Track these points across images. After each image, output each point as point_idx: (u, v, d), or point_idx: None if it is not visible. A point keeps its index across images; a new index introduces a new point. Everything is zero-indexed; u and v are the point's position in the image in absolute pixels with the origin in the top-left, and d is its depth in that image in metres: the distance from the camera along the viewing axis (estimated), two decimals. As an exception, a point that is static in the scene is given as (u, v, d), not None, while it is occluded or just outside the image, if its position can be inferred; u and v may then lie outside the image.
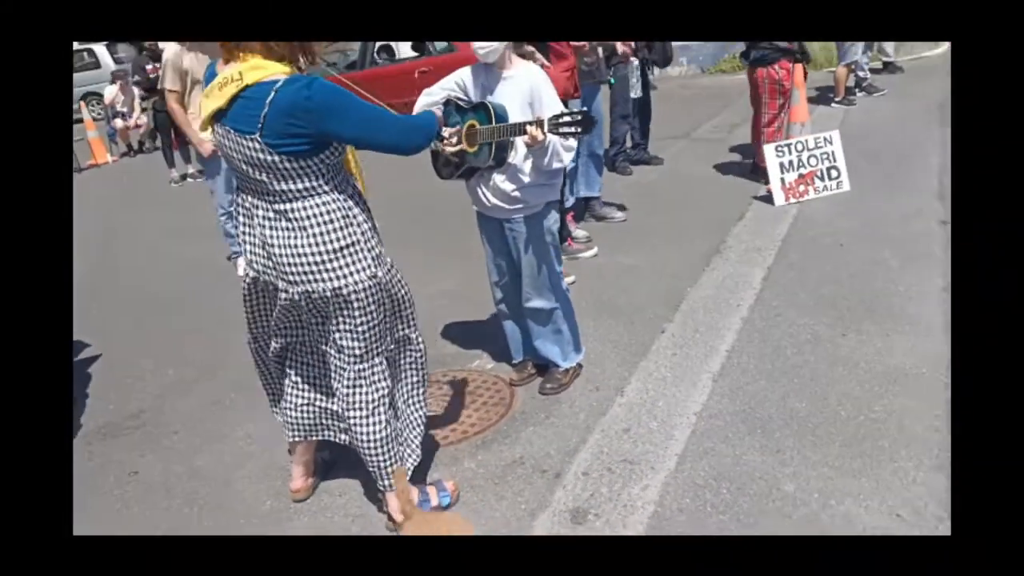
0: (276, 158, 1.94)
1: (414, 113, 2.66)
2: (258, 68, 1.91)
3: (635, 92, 5.80)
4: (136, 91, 11.38)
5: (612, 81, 5.48)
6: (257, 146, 1.93)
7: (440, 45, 8.53)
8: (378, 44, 9.71)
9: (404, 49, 9.92)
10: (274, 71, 1.91)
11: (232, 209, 4.54)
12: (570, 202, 4.65)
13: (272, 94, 1.88)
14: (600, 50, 4.79)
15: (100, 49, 18.20)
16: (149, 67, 8.34)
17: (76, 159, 10.41)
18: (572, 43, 4.04)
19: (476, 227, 2.97)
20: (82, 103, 12.58)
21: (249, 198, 2.11)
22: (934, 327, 3.15)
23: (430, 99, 2.71)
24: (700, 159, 6.44)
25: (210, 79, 2.02)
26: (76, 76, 17.46)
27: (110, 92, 11.20)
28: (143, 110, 11.26)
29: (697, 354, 3.23)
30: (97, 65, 17.49)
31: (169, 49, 4.54)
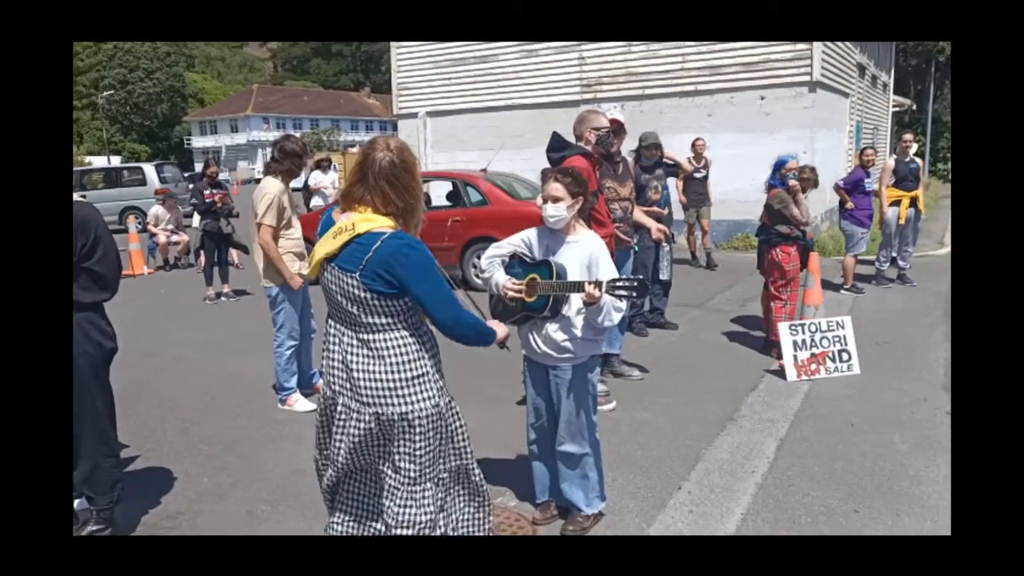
0: (368, 295, 2.25)
1: (483, 261, 3.03)
2: (369, 220, 2.25)
3: (664, 274, 6.31)
4: (180, 210, 12.16)
5: (636, 248, 5.95)
6: (355, 283, 2.25)
7: (475, 198, 9.18)
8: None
9: (439, 199, 10.61)
10: (382, 224, 2.25)
11: (297, 345, 4.80)
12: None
13: (378, 243, 2.21)
14: (633, 220, 5.29)
15: (148, 168, 19.44)
16: (207, 192, 8.95)
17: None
18: (611, 214, 4.49)
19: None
20: (131, 216, 13.25)
21: (338, 325, 2.40)
22: (941, 511, 3.29)
23: (499, 252, 3.05)
24: (714, 328, 6.79)
25: (327, 224, 2.36)
26: (122, 191, 18.59)
27: (155, 210, 11.92)
28: (185, 228, 11.95)
29: (713, 513, 3.36)
30: (143, 182, 18.50)
31: (273, 187, 4.69)
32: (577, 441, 3.09)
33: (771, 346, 5.76)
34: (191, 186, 20.29)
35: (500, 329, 2.53)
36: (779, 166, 5.72)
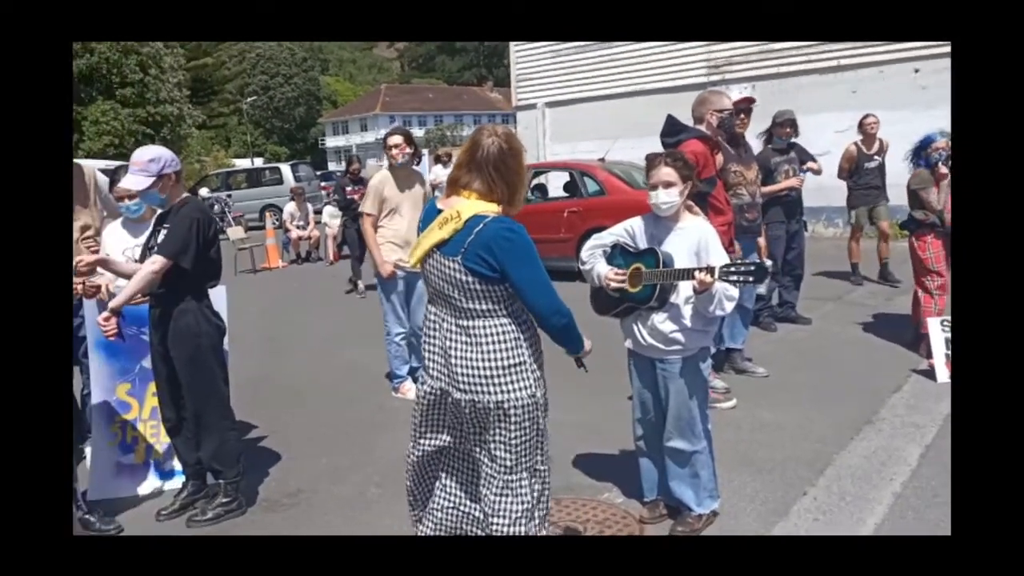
0: (469, 278, 2.21)
1: (584, 252, 2.92)
2: (474, 206, 2.22)
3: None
4: (310, 207, 12.81)
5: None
6: (456, 267, 2.21)
7: (592, 188, 8.99)
8: (533, 182, 10.37)
9: (556, 190, 10.54)
10: (486, 209, 2.22)
11: (406, 334, 4.86)
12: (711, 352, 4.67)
13: (480, 226, 2.18)
14: (759, 207, 4.95)
15: (285, 168, 20.74)
16: (348, 188, 9.24)
17: (253, 260, 11.69)
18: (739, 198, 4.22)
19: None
20: (268, 213, 14.16)
21: (438, 312, 2.37)
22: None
23: (599, 242, 2.94)
24: (852, 323, 6.23)
25: (429, 213, 2.35)
26: (263, 190, 19.90)
27: (289, 207, 12.61)
28: (317, 223, 12.57)
29: (842, 523, 3.07)
30: (280, 181, 19.71)
31: (376, 177, 4.88)
32: (687, 437, 2.91)
33: (919, 341, 5.22)
34: (323, 184, 21.46)
35: (587, 343, 2.46)
36: (925, 144, 5.16)
